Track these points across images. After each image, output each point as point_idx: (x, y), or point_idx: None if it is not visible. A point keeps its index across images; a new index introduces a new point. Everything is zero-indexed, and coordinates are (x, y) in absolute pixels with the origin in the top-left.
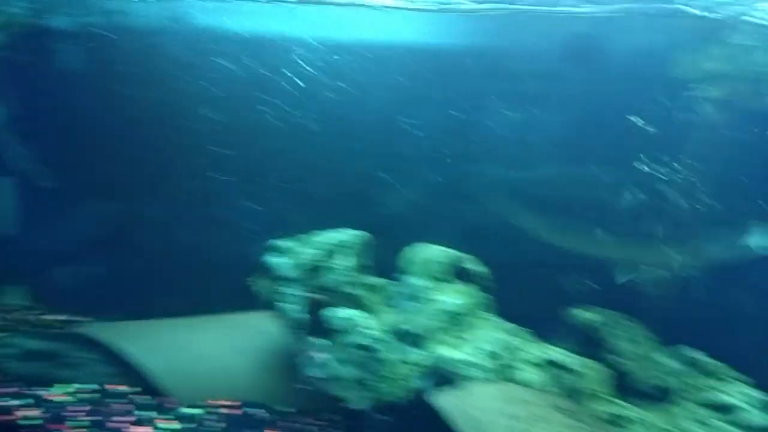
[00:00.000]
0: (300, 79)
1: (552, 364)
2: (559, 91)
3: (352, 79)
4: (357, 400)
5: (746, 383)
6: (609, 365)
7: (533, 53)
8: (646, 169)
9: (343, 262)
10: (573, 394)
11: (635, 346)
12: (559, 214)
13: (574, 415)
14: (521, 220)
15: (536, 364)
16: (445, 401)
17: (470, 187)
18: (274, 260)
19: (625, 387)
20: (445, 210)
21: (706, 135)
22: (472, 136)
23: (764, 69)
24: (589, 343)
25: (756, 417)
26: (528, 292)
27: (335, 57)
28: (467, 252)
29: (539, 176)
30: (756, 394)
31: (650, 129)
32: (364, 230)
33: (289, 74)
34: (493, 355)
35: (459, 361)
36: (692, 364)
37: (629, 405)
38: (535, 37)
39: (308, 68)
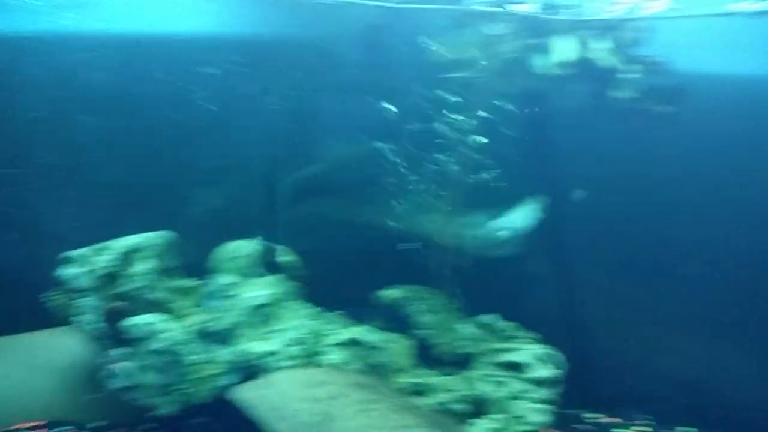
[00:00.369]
0: (89, 76)
1: (355, 343)
2: (342, 80)
3: (145, 73)
4: (166, 405)
5: (534, 340)
6: (414, 338)
7: (321, 42)
8: (430, 150)
9: (142, 267)
10: (376, 369)
11: (438, 318)
12: (357, 197)
13: (375, 389)
14: (327, 207)
15: (340, 346)
16: (248, 395)
17: (276, 178)
18: (67, 272)
19: (430, 357)
20: (256, 203)
21: (458, 115)
22: (270, 128)
23: (512, 55)
24: (396, 319)
25: (542, 371)
26: (340, 276)
27: (129, 51)
28: (279, 243)
29: (332, 161)
30: (541, 349)
31: (418, 112)
32: (177, 231)
33: (76, 71)
34: (299, 342)
35: (265, 353)
36: (489, 329)
37: (432, 373)
38: (322, 25)
39: (99, 63)
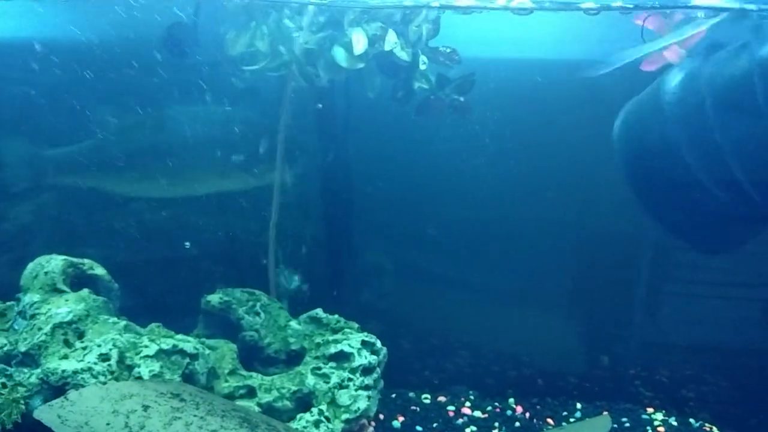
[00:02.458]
0: None
1: (170, 353)
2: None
3: None
4: None
5: (359, 329)
6: (243, 341)
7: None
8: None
9: None
10: (195, 377)
11: (267, 319)
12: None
13: (193, 396)
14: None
15: (153, 357)
16: (56, 415)
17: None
18: None
19: (263, 358)
20: (65, 215)
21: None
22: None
23: (311, 47)
24: (223, 324)
25: (363, 358)
26: (162, 284)
27: None
28: (92, 257)
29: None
30: (366, 337)
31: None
32: None
33: None
34: (108, 358)
35: (74, 371)
36: (318, 323)
37: (256, 375)
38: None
39: None
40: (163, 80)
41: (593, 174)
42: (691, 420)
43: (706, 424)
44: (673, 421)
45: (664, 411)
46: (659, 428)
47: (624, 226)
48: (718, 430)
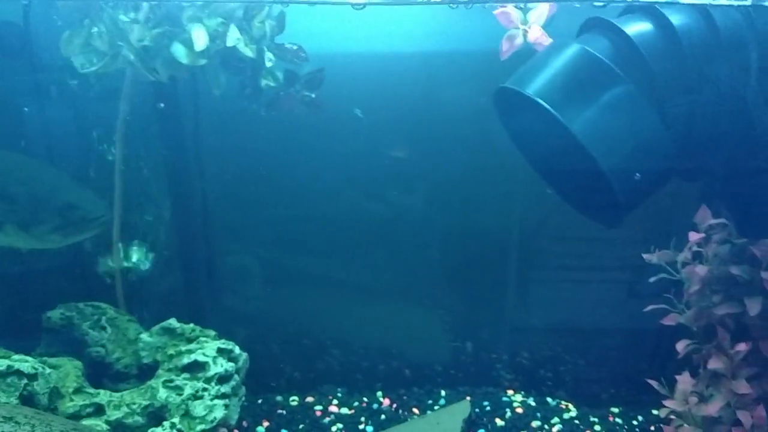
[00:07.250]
0: None
1: (6, 374)
2: None
3: None
4: None
5: (215, 337)
6: (88, 358)
7: None
8: None
9: None
10: (35, 398)
11: (115, 332)
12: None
13: (31, 419)
14: None
15: None
16: None
17: None
18: None
19: (109, 375)
20: None
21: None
22: None
23: (148, 44)
24: (67, 341)
25: (220, 366)
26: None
27: None
28: None
29: None
30: (223, 344)
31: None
32: None
33: None
34: None
35: None
36: (171, 333)
37: (104, 392)
38: None
39: None
40: None
41: (450, 166)
42: (549, 399)
43: (563, 402)
44: (531, 402)
45: (523, 392)
46: (518, 409)
47: (482, 216)
48: (574, 406)
